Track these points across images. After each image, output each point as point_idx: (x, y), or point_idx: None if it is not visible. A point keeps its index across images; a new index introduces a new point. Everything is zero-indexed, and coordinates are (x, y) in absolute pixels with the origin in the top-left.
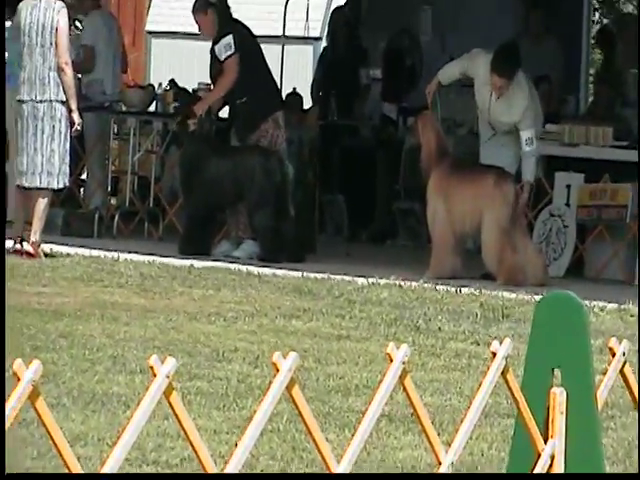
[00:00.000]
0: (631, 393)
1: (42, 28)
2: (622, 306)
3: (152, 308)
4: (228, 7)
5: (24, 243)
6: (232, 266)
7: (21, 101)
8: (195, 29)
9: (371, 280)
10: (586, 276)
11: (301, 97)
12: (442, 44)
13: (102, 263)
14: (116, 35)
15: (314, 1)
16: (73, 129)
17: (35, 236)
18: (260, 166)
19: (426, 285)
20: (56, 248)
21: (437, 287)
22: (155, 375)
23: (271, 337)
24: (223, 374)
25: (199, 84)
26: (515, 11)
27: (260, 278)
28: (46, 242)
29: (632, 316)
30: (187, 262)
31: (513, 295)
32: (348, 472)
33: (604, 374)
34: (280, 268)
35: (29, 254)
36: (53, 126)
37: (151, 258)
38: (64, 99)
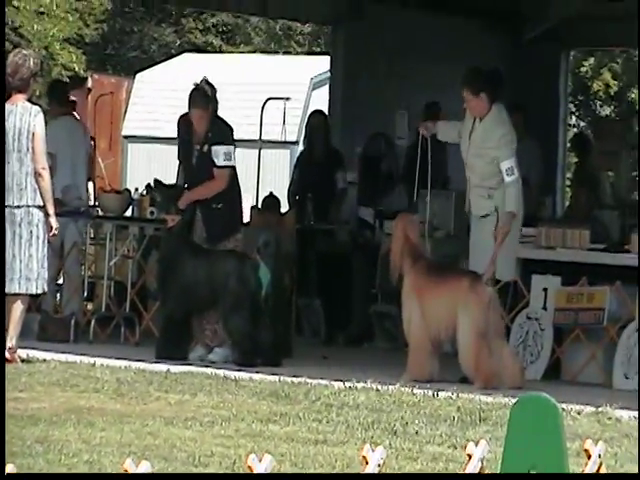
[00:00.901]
0: None
1: (18, 133)
2: (599, 409)
3: (128, 413)
4: (216, 107)
5: None
6: (209, 370)
7: None
8: (171, 134)
9: (348, 384)
10: (563, 379)
11: (278, 200)
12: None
13: (78, 368)
14: (81, 141)
15: (291, 105)
16: (50, 234)
17: (12, 342)
18: (235, 271)
19: (403, 389)
20: (32, 353)
21: (414, 391)
22: None
23: (248, 441)
24: None
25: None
26: None
27: (237, 383)
28: (22, 347)
29: (609, 419)
30: (164, 367)
31: (490, 398)
32: None
33: None
34: (257, 372)
35: (5, 360)
36: (31, 231)
37: (127, 363)
38: (41, 204)
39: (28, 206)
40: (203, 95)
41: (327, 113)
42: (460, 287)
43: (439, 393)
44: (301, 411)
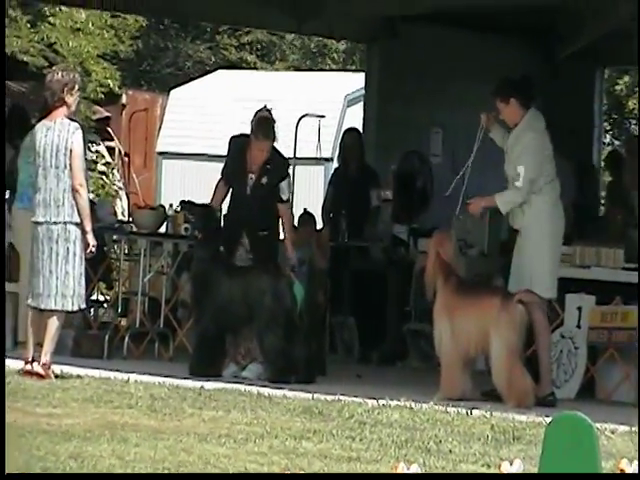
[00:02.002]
0: None
1: (56, 150)
2: (633, 428)
3: (162, 429)
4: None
5: (34, 364)
6: (242, 387)
7: (36, 223)
8: (204, 150)
9: (381, 402)
10: (597, 398)
11: (313, 217)
12: (453, 164)
13: (112, 384)
14: None
15: (325, 122)
16: (87, 250)
17: (46, 357)
18: (270, 288)
19: (437, 407)
20: (66, 369)
21: (448, 409)
22: None
23: (281, 458)
24: None
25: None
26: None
27: (270, 399)
28: (56, 363)
29: None
30: (197, 383)
31: (524, 417)
32: None
33: None
34: (290, 389)
35: (39, 375)
36: (67, 248)
37: (161, 379)
38: (78, 221)
39: (65, 222)
40: (271, 126)
41: (361, 131)
42: (491, 306)
43: (473, 411)
44: (334, 428)
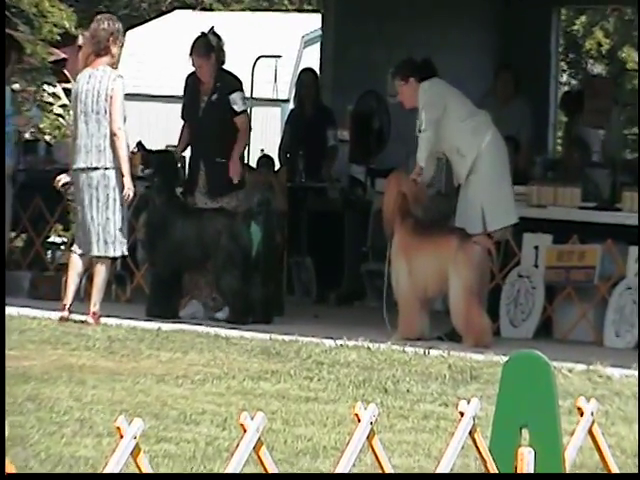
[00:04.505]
0: (600, 453)
1: (97, 95)
2: (590, 367)
3: (119, 371)
4: (223, 57)
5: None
6: (200, 329)
7: (76, 170)
8: (161, 91)
9: (339, 342)
10: (554, 337)
11: (272, 159)
12: None
13: (69, 326)
14: None
15: (282, 63)
16: (124, 194)
17: (95, 307)
18: (226, 229)
19: (394, 347)
20: (23, 311)
21: (405, 349)
22: (122, 436)
23: (239, 399)
24: (191, 436)
25: (167, 147)
26: (484, 72)
27: (228, 340)
28: (12, 305)
29: (600, 377)
30: (155, 325)
31: (481, 356)
32: None
33: (572, 435)
34: (248, 330)
35: (88, 323)
36: (107, 194)
37: (119, 321)
38: (117, 166)
39: (106, 168)
40: (205, 44)
41: (318, 71)
42: (449, 245)
43: (430, 351)
44: (292, 369)
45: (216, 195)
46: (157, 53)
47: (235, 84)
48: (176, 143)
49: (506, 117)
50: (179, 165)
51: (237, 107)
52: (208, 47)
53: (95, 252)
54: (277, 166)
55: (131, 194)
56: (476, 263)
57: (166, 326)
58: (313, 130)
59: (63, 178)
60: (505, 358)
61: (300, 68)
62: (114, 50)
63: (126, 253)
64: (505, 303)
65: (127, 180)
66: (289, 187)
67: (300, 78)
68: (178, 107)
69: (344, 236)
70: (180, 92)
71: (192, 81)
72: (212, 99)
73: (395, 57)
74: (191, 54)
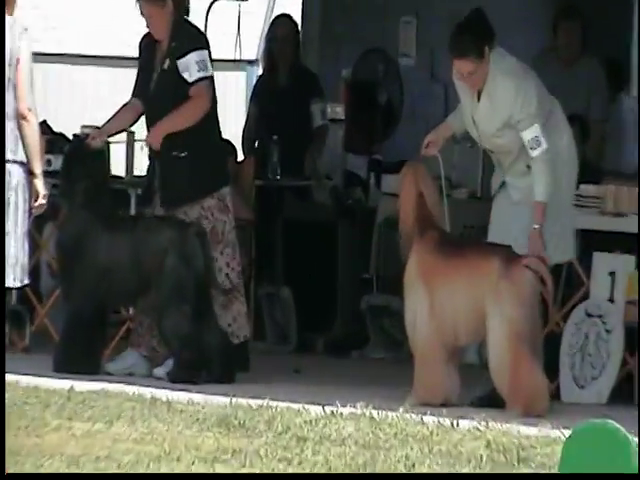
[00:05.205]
0: None
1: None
2: None
3: (15, 448)
4: (187, 4)
5: None
6: (130, 389)
7: None
8: (80, 50)
9: (330, 408)
10: (637, 401)
11: (233, 146)
12: (431, 69)
13: None
14: None
15: (248, 8)
16: (36, 203)
17: None
18: (174, 246)
19: (408, 416)
20: None
21: (424, 419)
22: None
23: None
24: None
25: (83, 127)
26: (538, 20)
27: (170, 406)
28: None
29: None
30: (66, 383)
31: (534, 430)
32: None
33: None
34: (199, 392)
35: None
36: (8, 199)
37: (14, 377)
38: (24, 159)
39: (6, 161)
40: None
41: (299, 20)
42: (489, 270)
43: (459, 422)
44: (262, 447)
45: (171, 204)
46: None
47: (190, 42)
48: (94, 123)
49: (569, 84)
50: (104, 154)
51: (188, 75)
52: None
53: None
54: (240, 157)
55: (43, 202)
56: (527, 296)
57: (82, 385)
58: (291, 104)
59: None
60: (567, 432)
61: (273, 15)
62: None
63: (27, 281)
64: (567, 354)
65: (39, 183)
66: (258, 187)
67: (272, 30)
68: (100, 72)
69: (337, 257)
70: (104, 51)
71: (146, 45)
72: (164, 66)
73: (411, 3)
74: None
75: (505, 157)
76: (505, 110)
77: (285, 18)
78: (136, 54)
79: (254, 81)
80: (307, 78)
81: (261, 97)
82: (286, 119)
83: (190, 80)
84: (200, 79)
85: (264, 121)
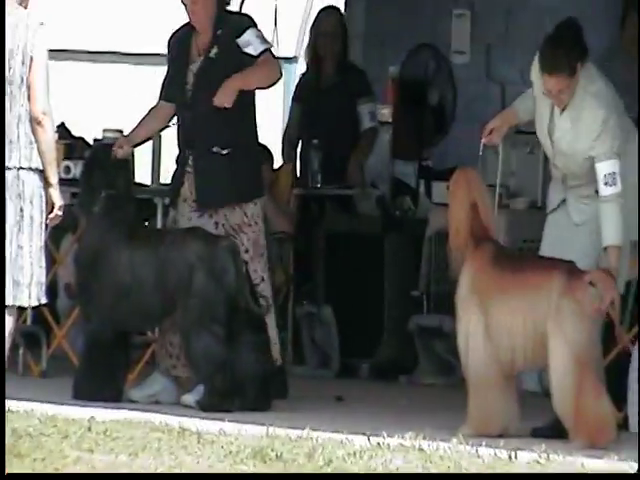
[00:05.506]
0: None
1: (10, 55)
2: None
3: None
4: None
5: None
6: (157, 418)
7: None
8: (92, 46)
9: (376, 439)
10: None
11: (269, 151)
12: (487, 67)
13: None
14: None
15: (285, 2)
16: (51, 215)
17: None
18: (202, 261)
19: (462, 447)
20: None
21: (479, 451)
22: None
23: None
24: None
25: (105, 131)
26: (605, 13)
27: (201, 437)
28: None
29: None
30: (86, 411)
31: (600, 463)
32: None
33: None
34: (232, 421)
35: None
36: (21, 208)
37: (29, 405)
38: (40, 166)
39: (20, 168)
40: None
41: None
42: (550, 288)
43: (518, 454)
44: None
45: (208, 204)
46: None
47: (243, 21)
48: (118, 127)
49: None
50: (129, 162)
51: (252, 49)
52: None
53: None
54: (277, 162)
55: (59, 214)
56: (591, 317)
57: (104, 414)
58: (336, 104)
59: None
60: (636, 465)
61: (313, 9)
62: None
63: (44, 300)
64: (636, 379)
65: (55, 193)
66: (297, 196)
67: (317, 24)
68: (119, 68)
69: (383, 273)
70: (121, 47)
71: (178, 41)
72: (210, 55)
73: None
74: None
75: (572, 179)
76: (587, 139)
77: (332, 10)
78: (158, 50)
79: (292, 80)
80: (355, 76)
81: (304, 96)
82: (331, 121)
83: (256, 52)
84: (265, 50)
85: (307, 123)
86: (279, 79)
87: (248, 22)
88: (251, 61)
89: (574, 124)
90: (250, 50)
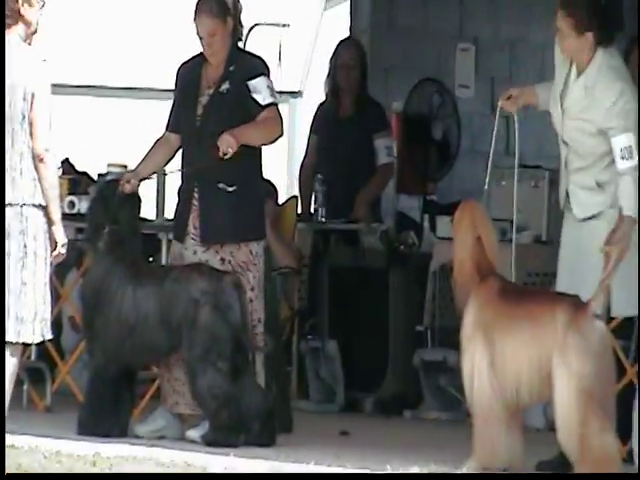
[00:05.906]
0: None
1: (10, 92)
2: None
3: None
4: (241, 27)
5: None
6: (162, 454)
7: None
8: (96, 81)
9: (381, 474)
10: None
11: (273, 186)
12: (492, 101)
13: None
14: None
15: (290, 34)
16: (55, 252)
17: None
18: (207, 297)
19: None
20: None
21: None
22: None
23: None
24: None
25: (110, 166)
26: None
27: (206, 473)
28: None
29: None
30: (91, 447)
31: None
32: None
33: None
34: (238, 456)
35: None
36: (24, 245)
37: (34, 441)
38: (43, 203)
39: (22, 205)
40: (220, 1)
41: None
42: (555, 322)
43: None
44: None
45: (212, 239)
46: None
47: (254, 67)
48: (123, 162)
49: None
50: (136, 197)
51: (260, 98)
52: (224, 7)
53: (6, 336)
54: (282, 197)
55: (63, 252)
56: (596, 349)
57: (109, 450)
58: (353, 138)
59: None
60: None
61: (318, 42)
62: (30, 13)
63: (49, 336)
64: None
65: (58, 229)
66: (301, 230)
67: (337, 54)
68: (125, 103)
69: (388, 308)
70: (125, 82)
71: (187, 72)
72: (221, 89)
73: (469, 28)
74: (196, 15)
75: (576, 159)
76: (600, 108)
77: (351, 42)
78: (163, 86)
79: (297, 113)
80: (373, 109)
81: (321, 127)
82: (346, 154)
83: (264, 103)
84: (272, 104)
85: (321, 154)
86: (280, 137)
87: (262, 68)
88: (257, 108)
89: (588, 92)
90: (258, 98)
